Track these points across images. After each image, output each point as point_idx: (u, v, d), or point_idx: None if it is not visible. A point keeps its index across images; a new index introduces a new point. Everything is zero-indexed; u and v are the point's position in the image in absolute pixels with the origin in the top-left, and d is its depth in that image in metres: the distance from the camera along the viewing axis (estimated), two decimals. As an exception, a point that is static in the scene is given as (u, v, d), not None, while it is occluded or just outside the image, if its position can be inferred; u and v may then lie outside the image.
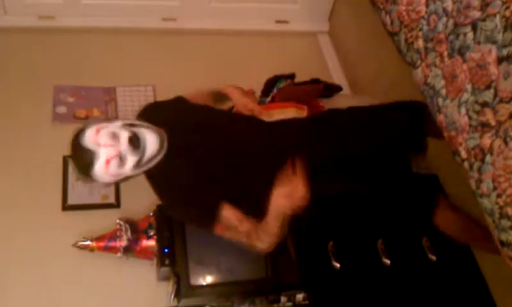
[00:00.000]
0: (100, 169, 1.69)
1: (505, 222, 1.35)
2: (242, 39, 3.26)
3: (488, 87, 1.39)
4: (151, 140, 1.75)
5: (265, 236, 1.74)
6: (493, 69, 1.38)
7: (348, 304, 1.91)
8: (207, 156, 1.84)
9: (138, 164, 1.74)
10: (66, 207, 2.41)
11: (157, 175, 1.85)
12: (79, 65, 2.96)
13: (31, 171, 2.50)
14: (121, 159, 1.70)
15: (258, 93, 2.65)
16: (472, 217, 1.89)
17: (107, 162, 1.68)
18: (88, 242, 2.19)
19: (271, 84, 2.63)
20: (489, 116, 1.39)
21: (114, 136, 1.69)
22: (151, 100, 2.88)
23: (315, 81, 2.65)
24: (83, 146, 1.69)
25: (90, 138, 1.68)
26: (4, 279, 2.18)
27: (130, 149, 1.70)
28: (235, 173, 1.84)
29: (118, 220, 2.21)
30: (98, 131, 1.69)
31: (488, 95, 1.39)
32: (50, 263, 2.24)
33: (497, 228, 1.39)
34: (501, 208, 1.36)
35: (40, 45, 3.01)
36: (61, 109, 2.77)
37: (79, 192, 2.46)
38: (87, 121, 1.84)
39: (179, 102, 2.11)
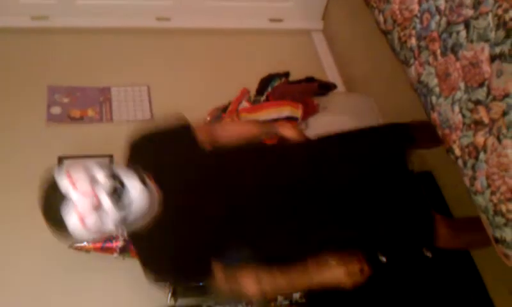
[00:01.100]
0: (76, 221, 1.36)
1: (499, 219, 1.36)
2: (236, 37, 3.27)
3: (481, 85, 1.40)
4: (138, 195, 1.42)
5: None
6: (485, 67, 1.38)
7: (344, 300, 1.91)
8: (201, 210, 1.59)
9: (121, 222, 1.43)
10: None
11: (141, 238, 1.58)
12: (74, 65, 2.96)
13: (25, 172, 2.48)
14: (96, 206, 1.37)
15: (252, 92, 2.66)
16: (466, 223, 1.86)
17: (84, 214, 1.36)
18: (85, 243, 2.19)
19: (265, 82, 2.63)
20: (482, 113, 1.40)
21: (93, 180, 1.39)
22: (145, 99, 2.88)
23: (310, 80, 2.66)
24: (57, 191, 1.38)
25: (66, 179, 1.38)
26: (2, 283, 2.17)
27: (113, 200, 1.38)
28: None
29: (114, 221, 2.20)
30: (77, 176, 1.39)
31: (481, 93, 1.40)
32: (47, 265, 2.24)
33: (491, 225, 1.40)
34: (495, 205, 1.37)
35: (33, 45, 3.00)
36: (56, 110, 2.76)
37: (74, 193, 2.46)
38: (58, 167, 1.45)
39: (183, 142, 1.72)
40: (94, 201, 1.36)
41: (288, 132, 1.84)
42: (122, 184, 1.40)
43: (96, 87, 2.89)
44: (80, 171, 1.40)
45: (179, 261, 1.55)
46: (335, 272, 1.61)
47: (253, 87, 2.64)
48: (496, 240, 1.39)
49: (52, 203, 1.40)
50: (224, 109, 2.53)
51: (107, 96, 2.87)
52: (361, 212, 1.72)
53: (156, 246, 1.56)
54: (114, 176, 1.41)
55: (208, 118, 2.54)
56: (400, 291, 1.95)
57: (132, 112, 2.82)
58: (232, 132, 1.85)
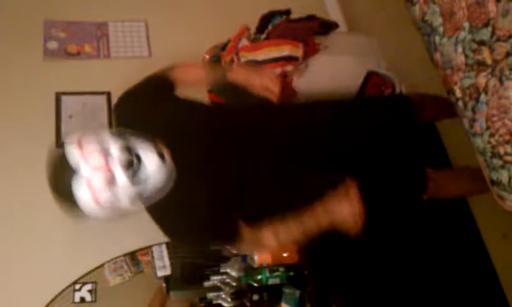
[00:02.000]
0: (88, 196, 1.29)
1: (496, 161, 1.36)
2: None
3: (486, 25, 1.37)
4: (154, 169, 1.34)
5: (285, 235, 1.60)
6: (491, 6, 1.35)
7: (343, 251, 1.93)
8: (218, 172, 1.55)
9: (138, 197, 1.37)
10: (59, 145, 2.40)
11: (157, 204, 1.48)
12: (70, -1, 2.89)
13: (23, 108, 2.47)
14: (111, 180, 1.29)
15: (253, 30, 2.60)
16: (458, 173, 1.93)
17: (96, 191, 1.28)
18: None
19: (266, 20, 2.57)
20: (485, 54, 1.37)
21: (106, 152, 1.30)
22: (143, 35, 2.82)
23: (311, 18, 2.60)
24: (66, 161, 1.29)
25: (76, 151, 1.28)
26: (4, 231, 2.18)
27: (128, 175, 1.30)
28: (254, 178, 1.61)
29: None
30: (85, 144, 1.30)
31: (485, 33, 1.37)
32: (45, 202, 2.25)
33: (488, 167, 1.40)
34: (493, 147, 1.37)
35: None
36: (52, 44, 2.71)
37: (72, 129, 2.45)
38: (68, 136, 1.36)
39: (164, 97, 1.66)
40: (107, 176, 1.26)
41: (239, 76, 1.71)
42: (138, 157, 1.31)
43: (93, 22, 2.83)
44: (93, 142, 1.29)
45: (206, 226, 1.49)
46: (340, 208, 1.55)
47: (253, 24, 2.58)
48: (492, 182, 1.40)
49: (61, 178, 1.30)
50: (223, 47, 2.48)
51: (105, 32, 2.81)
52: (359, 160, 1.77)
53: (178, 215, 1.50)
54: (130, 149, 1.31)
55: (207, 57, 2.50)
56: (395, 237, 1.97)
57: (130, 48, 2.77)
58: (187, 77, 1.74)
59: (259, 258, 2.04)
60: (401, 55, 2.19)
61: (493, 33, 1.35)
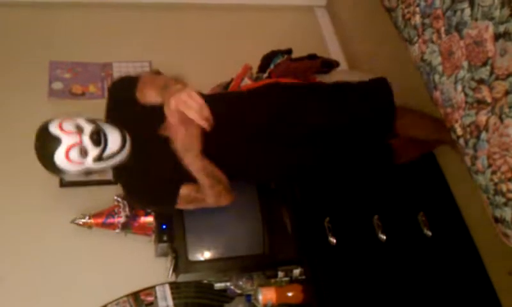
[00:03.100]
0: (62, 155, 1.74)
1: (499, 199, 1.36)
2: (239, 13, 3.24)
3: (485, 64, 1.39)
4: (113, 137, 1.81)
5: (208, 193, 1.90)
6: (489, 46, 1.37)
7: (344, 279, 1.93)
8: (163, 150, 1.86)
9: (99, 158, 1.80)
10: (64, 184, 2.41)
11: (119, 168, 1.93)
12: (76, 40, 2.93)
13: (27, 148, 2.48)
14: (83, 150, 1.76)
15: (255, 69, 2.64)
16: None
17: (69, 149, 1.74)
18: (86, 219, 2.20)
19: (267, 59, 2.61)
20: (485, 93, 1.39)
21: (78, 127, 1.76)
22: (147, 76, 2.86)
23: (312, 57, 2.64)
24: (47, 133, 1.76)
25: (55, 126, 1.76)
26: (1, 257, 2.19)
27: (92, 142, 1.76)
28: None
29: (115, 197, 2.22)
30: (62, 121, 1.78)
31: (484, 72, 1.39)
32: (49, 240, 2.25)
33: (492, 205, 1.40)
34: (496, 184, 1.37)
35: (35, 20, 2.97)
36: (57, 85, 2.75)
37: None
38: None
39: None
40: (80, 147, 1.74)
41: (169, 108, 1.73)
42: (105, 135, 1.79)
43: (97, 63, 2.87)
44: (70, 121, 1.78)
45: (152, 188, 1.91)
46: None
47: (255, 64, 2.61)
48: (496, 220, 1.39)
49: (44, 148, 1.78)
50: (226, 86, 2.52)
51: (109, 72, 2.85)
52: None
53: (134, 177, 1.95)
54: (98, 128, 1.79)
55: (210, 95, 2.53)
56: (399, 270, 1.96)
57: (134, 88, 2.80)
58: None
59: (263, 298, 2.02)
60: (401, 92, 2.21)
61: (491, 72, 1.37)
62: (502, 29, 1.33)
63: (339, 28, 3.26)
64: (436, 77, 1.57)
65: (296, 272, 2.12)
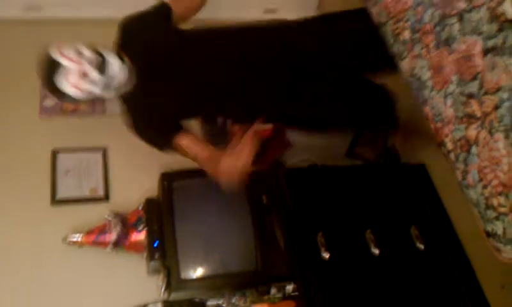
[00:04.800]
0: (63, 80, 1.76)
1: (490, 213, 1.36)
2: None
3: (474, 78, 1.39)
4: (114, 64, 1.81)
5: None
6: (478, 60, 1.38)
7: (337, 294, 1.92)
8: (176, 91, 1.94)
9: (105, 86, 1.81)
10: (55, 202, 2.40)
11: (128, 99, 1.96)
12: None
13: (19, 166, 2.48)
14: (83, 73, 1.76)
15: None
16: None
17: (69, 73, 1.75)
18: (77, 237, 2.19)
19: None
20: (475, 107, 1.39)
21: (78, 52, 1.78)
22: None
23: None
24: (49, 57, 1.79)
25: (55, 51, 1.78)
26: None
27: (92, 66, 1.77)
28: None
29: (107, 214, 2.21)
30: (62, 46, 1.80)
31: (473, 87, 1.39)
32: (40, 259, 2.23)
33: (483, 219, 1.40)
34: (487, 198, 1.37)
35: (26, 36, 2.96)
36: (49, 102, 2.74)
37: (67, 186, 2.45)
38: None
39: (162, 22, 2.05)
40: (80, 70, 1.75)
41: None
42: (104, 59, 1.80)
43: (89, 80, 2.87)
44: (70, 46, 1.80)
45: (156, 122, 1.92)
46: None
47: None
48: (488, 234, 1.39)
49: (48, 73, 1.79)
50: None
51: (100, 89, 2.85)
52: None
53: (140, 110, 1.94)
54: (98, 52, 1.81)
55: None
56: (393, 284, 1.95)
57: (126, 105, 2.80)
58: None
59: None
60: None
61: (481, 86, 1.37)
62: (490, 43, 1.34)
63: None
64: (426, 91, 1.57)
65: (289, 288, 2.11)
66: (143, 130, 1.95)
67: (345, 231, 2.05)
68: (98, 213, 2.25)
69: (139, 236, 2.19)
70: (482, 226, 1.41)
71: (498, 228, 1.34)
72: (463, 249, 2.07)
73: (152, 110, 1.92)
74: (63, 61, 1.75)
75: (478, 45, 1.38)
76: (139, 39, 1.99)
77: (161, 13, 2.03)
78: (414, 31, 1.64)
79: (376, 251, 1.98)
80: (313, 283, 1.95)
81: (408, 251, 2.03)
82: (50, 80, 1.79)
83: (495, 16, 1.32)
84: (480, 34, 1.37)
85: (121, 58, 1.85)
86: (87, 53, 1.78)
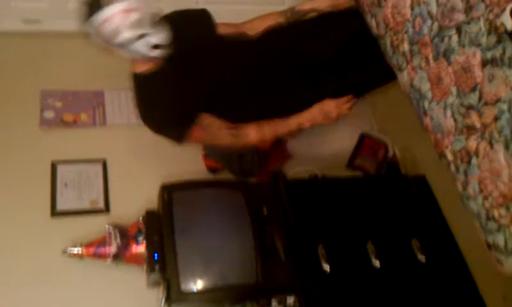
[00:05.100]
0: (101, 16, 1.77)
1: (491, 225, 1.36)
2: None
3: (473, 90, 1.39)
4: (162, 33, 1.81)
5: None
6: (477, 72, 1.38)
7: (338, 306, 1.91)
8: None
9: (141, 37, 1.79)
10: (55, 213, 2.40)
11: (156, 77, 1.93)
12: (67, 69, 2.94)
13: (18, 177, 2.48)
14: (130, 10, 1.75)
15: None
16: None
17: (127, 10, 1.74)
18: (77, 249, 2.18)
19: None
20: (474, 118, 1.39)
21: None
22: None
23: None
24: None
25: None
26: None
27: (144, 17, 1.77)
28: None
29: (107, 226, 2.20)
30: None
31: (473, 98, 1.40)
32: (40, 271, 2.22)
33: (484, 230, 1.39)
34: (487, 210, 1.36)
35: (26, 49, 2.98)
36: (49, 114, 2.75)
37: (67, 198, 2.45)
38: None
39: (206, 29, 2.10)
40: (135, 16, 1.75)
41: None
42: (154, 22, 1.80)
43: (89, 91, 2.88)
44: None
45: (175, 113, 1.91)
46: (312, 110, 2.03)
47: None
48: (489, 246, 1.39)
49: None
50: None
51: (101, 100, 2.85)
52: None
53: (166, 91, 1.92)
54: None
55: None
56: (394, 297, 1.94)
57: (126, 116, 2.80)
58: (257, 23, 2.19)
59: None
60: (393, 118, 2.22)
61: (480, 97, 1.38)
62: (489, 55, 1.34)
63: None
64: (426, 103, 1.58)
65: (290, 300, 2.09)
66: (164, 113, 1.93)
67: (346, 243, 2.04)
68: (98, 225, 2.24)
69: (139, 248, 2.18)
70: (483, 238, 1.40)
71: (500, 239, 1.34)
72: (465, 261, 2.06)
73: (182, 91, 1.92)
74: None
75: (477, 56, 1.39)
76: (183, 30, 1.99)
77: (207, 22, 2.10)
78: (413, 42, 1.65)
79: (377, 263, 1.97)
80: (314, 295, 1.94)
81: (409, 263, 2.02)
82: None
83: (493, 28, 1.33)
84: (479, 45, 1.38)
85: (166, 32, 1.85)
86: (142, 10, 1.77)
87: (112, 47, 1.84)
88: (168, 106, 1.92)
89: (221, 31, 2.09)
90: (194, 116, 1.90)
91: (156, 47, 1.82)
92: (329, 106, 2.03)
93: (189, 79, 1.93)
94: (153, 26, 1.80)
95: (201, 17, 2.10)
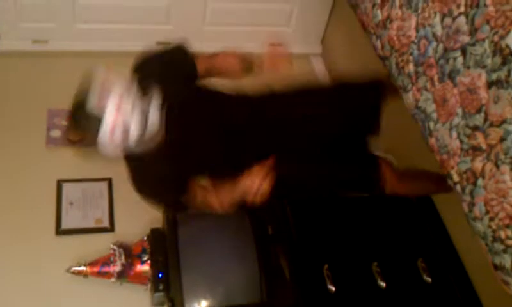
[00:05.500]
0: (104, 135, 1.58)
1: (498, 246, 1.35)
2: (235, 61, 3.28)
3: (479, 111, 1.40)
4: (155, 119, 1.63)
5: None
6: (483, 93, 1.39)
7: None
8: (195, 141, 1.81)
9: (139, 139, 1.62)
10: (59, 232, 2.40)
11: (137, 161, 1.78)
12: (73, 89, 2.95)
13: (24, 195, 2.49)
14: (126, 129, 1.58)
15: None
16: (415, 171, 2.11)
17: (112, 128, 1.57)
18: (82, 267, 2.18)
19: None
20: (480, 139, 1.40)
21: (120, 101, 1.59)
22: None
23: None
24: (85, 110, 1.59)
25: (94, 102, 1.58)
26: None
27: (135, 120, 1.59)
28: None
29: (111, 245, 2.20)
30: (101, 94, 1.59)
31: (478, 119, 1.40)
32: (44, 288, 2.22)
33: (490, 252, 1.39)
34: (494, 231, 1.36)
35: (33, 68, 3.02)
36: (55, 133, 2.77)
37: (72, 216, 2.46)
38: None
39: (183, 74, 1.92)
40: (124, 128, 1.57)
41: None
42: (147, 116, 1.61)
43: (95, 111, 2.89)
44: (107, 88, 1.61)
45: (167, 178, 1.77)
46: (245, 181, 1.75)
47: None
48: (496, 267, 1.38)
49: (87, 123, 1.61)
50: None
51: (107, 120, 2.87)
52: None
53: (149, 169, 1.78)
54: (145, 111, 1.61)
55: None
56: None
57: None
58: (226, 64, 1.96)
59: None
60: (397, 138, 2.23)
61: (486, 119, 1.38)
62: (494, 76, 1.35)
63: (334, 76, 3.31)
64: (431, 124, 1.58)
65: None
66: (156, 183, 1.80)
67: (351, 264, 2.03)
68: (103, 244, 2.25)
69: (144, 267, 2.18)
70: (489, 259, 1.40)
71: (506, 260, 1.33)
72: (471, 282, 2.04)
73: (173, 162, 1.77)
74: (106, 115, 1.57)
75: (482, 78, 1.40)
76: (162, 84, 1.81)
77: (184, 65, 1.93)
78: (418, 64, 1.66)
79: (383, 284, 1.96)
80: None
81: (414, 284, 2.00)
82: (81, 115, 1.62)
83: (498, 50, 1.34)
84: (484, 67, 1.39)
85: (161, 108, 1.66)
86: (135, 115, 1.59)
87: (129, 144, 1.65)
88: (162, 179, 1.79)
89: (200, 68, 1.91)
90: (185, 186, 1.80)
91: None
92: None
93: (181, 152, 1.79)
94: (145, 99, 1.64)
95: (181, 63, 1.92)
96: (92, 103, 1.58)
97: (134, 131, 1.59)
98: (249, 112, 1.92)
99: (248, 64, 1.95)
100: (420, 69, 1.64)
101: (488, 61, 1.37)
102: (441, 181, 1.71)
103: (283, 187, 1.88)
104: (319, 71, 3.38)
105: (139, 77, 1.80)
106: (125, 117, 1.58)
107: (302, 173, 1.94)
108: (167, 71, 1.87)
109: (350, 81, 2.11)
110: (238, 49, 1.97)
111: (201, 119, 1.84)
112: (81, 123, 1.67)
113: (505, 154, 1.31)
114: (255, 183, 1.73)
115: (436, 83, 1.57)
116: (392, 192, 1.98)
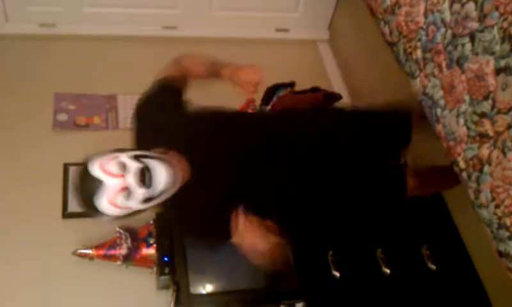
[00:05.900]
0: (106, 200, 1.47)
1: (503, 233, 1.35)
2: (242, 47, 3.27)
3: (486, 98, 1.39)
4: (160, 173, 1.53)
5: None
6: (491, 80, 1.38)
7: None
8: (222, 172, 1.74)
9: (148, 200, 1.53)
10: (66, 215, 2.42)
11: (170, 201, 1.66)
12: (81, 73, 2.98)
13: (31, 179, 2.51)
14: (129, 192, 1.48)
15: (258, 102, 2.66)
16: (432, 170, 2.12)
17: (113, 192, 1.46)
18: (88, 250, 2.20)
19: (271, 92, 2.64)
20: (487, 126, 1.39)
21: (122, 166, 1.48)
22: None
23: (315, 90, 2.66)
24: (89, 176, 1.47)
25: (96, 167, 1.47)
26: (4, 287, 2.18)
27: (139, 183, 1.48)
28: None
29: (117, 228, 2.22)
30: (104, 160, 1.50)
31: (486, 106, 1.39)
32: (50, 271, 2.24)
33: (495, 239, 1.39)
34: (499, 218, 1.36)
35: (41, 52, 3.02)
36: (62, 117, 2.78)
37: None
38: (91, 154, 1.53)
39: (175, 110, 1.92)
40: (125, 192, 1.46)
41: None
42: (150, 172, 1.50)
43: (102, 95, 2.90)
44: (112, 163, 1.49)
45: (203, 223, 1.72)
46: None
47: (258, 97, 2.64)
48: (500, 254, 1.38)
49: (85, 192, 1.49)
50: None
51: (113, 104, 2.88)
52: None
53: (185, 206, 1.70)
54: (144, 167, 1.50)
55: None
56: (403, 304, 1.93)
57: (138, 120, 2.82)
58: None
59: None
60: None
61: (493, 106, 1.37)
62: (503, 63, 1.34)
63: (342, 62, 3.30)
64: (438, 110, 1.58)
65: (299, 306, 2.09)
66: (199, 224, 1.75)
67: (355, 250, 2.04)
68: (109, 227, 2.26)
69: (149, 250, 2.20)
70: (494, 246, 1.40)
71: (511, 247, 1.33)
72: (475, 269, 2.04)
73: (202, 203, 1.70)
74: (108, 182, 1.45)
75: (490, 64, 1.39)
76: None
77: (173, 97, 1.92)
78: (426, 50, 1.65)
79: (387, 271, 1.97)
80: (323, 302, 1.93)
81: (419, 271, 2.01)
82: (88, 201, 1.49)
83: (507, 36, 1.33)
84: (492, 53, 1.38)
85: (167, 162, 1.57)
86: (131, 164, 1.48)
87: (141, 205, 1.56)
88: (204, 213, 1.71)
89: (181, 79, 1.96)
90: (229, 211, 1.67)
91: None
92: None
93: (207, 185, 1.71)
94: (152, 180, 1.51)
95: (168, 103, 1.90)
96: (95, 166, 1.48)
97: (138, 191, 1.48)
98: (266, 133, 1.89)
99: (214, 72, 2.01)
100: (428, 55, 1.63)
101: (497, 48, 1.36)
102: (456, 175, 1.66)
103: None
104: (327, 57, 3.37)
105: (139, 127, 1.87)
106: (122, 206, 1.49)
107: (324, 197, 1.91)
108: (164, 113, 1.85)
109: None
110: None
111: (215, 149, 1.78)
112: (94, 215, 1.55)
113: (513, 141, 1.31)
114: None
115: (444, 69, 1.56)
116: (411, 195, 1.98)
